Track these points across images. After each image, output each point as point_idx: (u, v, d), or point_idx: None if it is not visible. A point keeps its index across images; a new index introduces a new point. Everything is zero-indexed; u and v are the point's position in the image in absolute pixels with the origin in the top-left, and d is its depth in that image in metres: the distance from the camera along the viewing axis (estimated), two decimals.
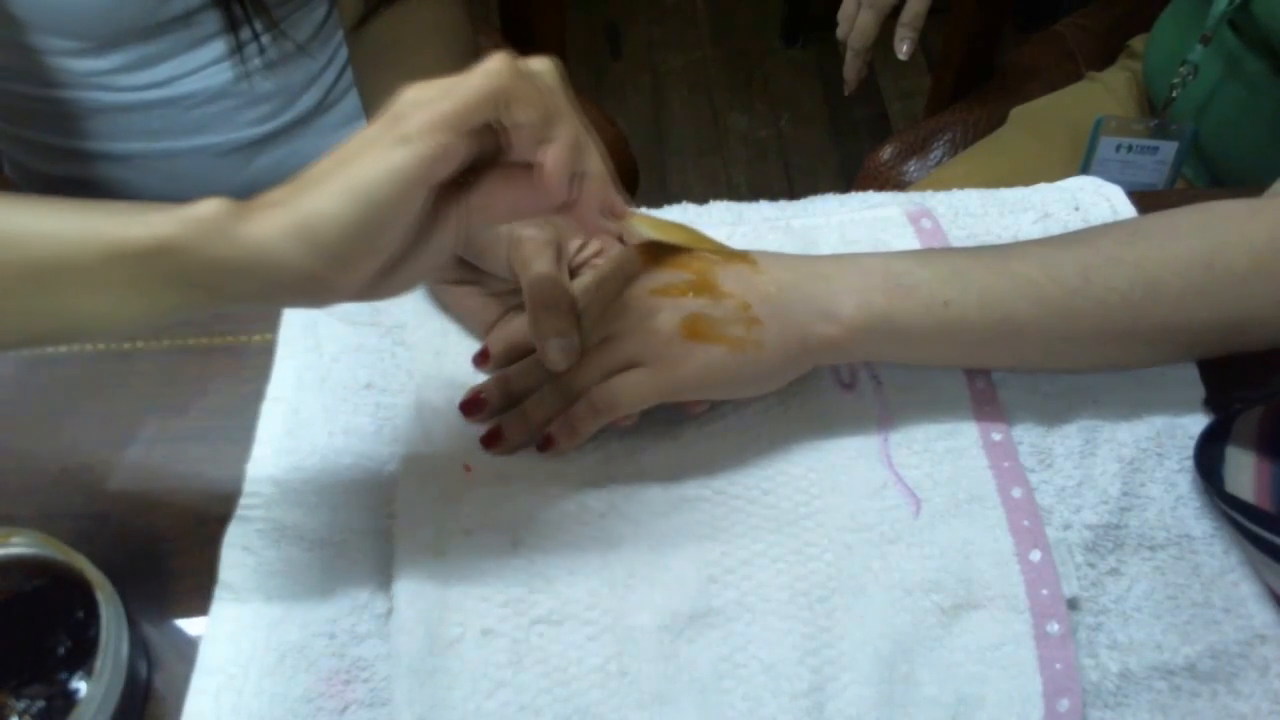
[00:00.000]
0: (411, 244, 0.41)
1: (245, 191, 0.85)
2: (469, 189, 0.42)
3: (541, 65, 0.41)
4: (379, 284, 0.41)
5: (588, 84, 1.98)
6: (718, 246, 0.54)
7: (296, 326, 0.59)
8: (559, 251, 0.53)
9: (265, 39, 0.72)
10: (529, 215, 0.44)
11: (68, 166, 0.78)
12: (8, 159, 0.82)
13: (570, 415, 0.52)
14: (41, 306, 0.39)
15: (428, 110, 0.38)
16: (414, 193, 0.39)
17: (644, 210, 0.52)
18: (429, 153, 0.38)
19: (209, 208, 0.38)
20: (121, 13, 0.68)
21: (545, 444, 0.53)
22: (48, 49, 0.70)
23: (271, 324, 0.59)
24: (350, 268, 0.39)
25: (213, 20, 0.71)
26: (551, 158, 0.40)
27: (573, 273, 0.54)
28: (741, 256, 0.52)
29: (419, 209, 0.40)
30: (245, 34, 0.71)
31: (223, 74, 0.75)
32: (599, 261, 0.55)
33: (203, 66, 0.74)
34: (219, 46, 0.73)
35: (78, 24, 0.68)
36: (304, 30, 0.77)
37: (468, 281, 0.56)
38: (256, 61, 0.74)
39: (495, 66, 0.38)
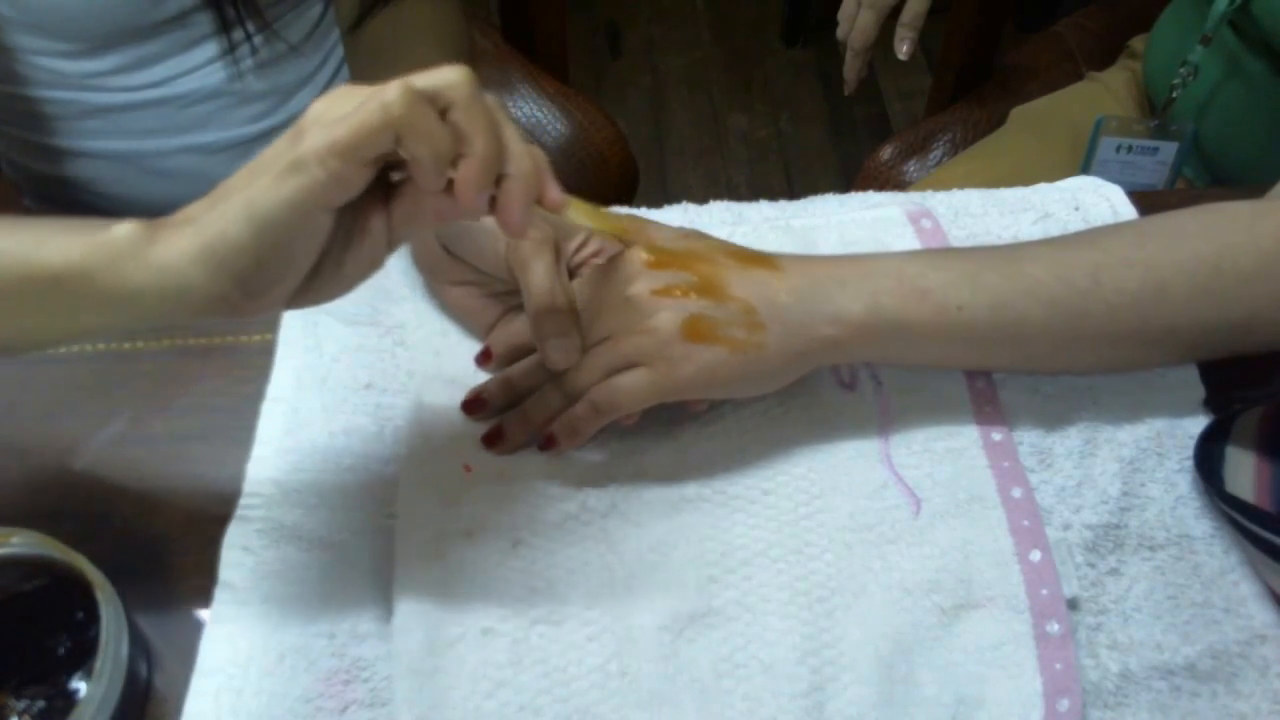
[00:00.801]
0: (337, 254, 0.41)
1: None
2: (393, 196, 0.42)
3: (450, 78, 0.39)
4: (307, 292, 0.41)
5: (588, 84, 1.98)
6: (663, 234, 0.53)
7: (296, 327, 0.59)
8: (557, 251, 0.53)
9: (258, 39, 0.72)
10: (456, 220, 0.43)
11: (64, 166, 0.78)
12: (4, 160, 0.82)
13: (571, 415, 0.52)
14: None
15: (323, 135, 0.37)
16: (310, 218, 0.38)
17: (588, 204, 0.51)
18: (320, 181, 0.37)
19: (121, 231, 0.38)
20: (114, 15, 0.68)
21: (546, 444, 0.53)
22: (41, 51, 0.70)
23: (271, 324, 0.59)
24: (259, 290, 0.39)
25: (206, 21, 0.71)
26: (460, 177, 0.39)
27: (571, 272, 0.54)
28: (764, 261, 0.51)
29: (324, 229, 0.39)
30: (238, 35, 0.71)
31: (216, 74, 0.75)
32: (598, 261, 0.55)
33: (197, 67, 0.74)
34: (212, 47, 0.73)
35: (70, 26, 0.68)
36: (298, 30, 0.77)
37: (467, 282, 0.56)
38: (249, 61, 0.74)
39: (390, 98, 0.37)
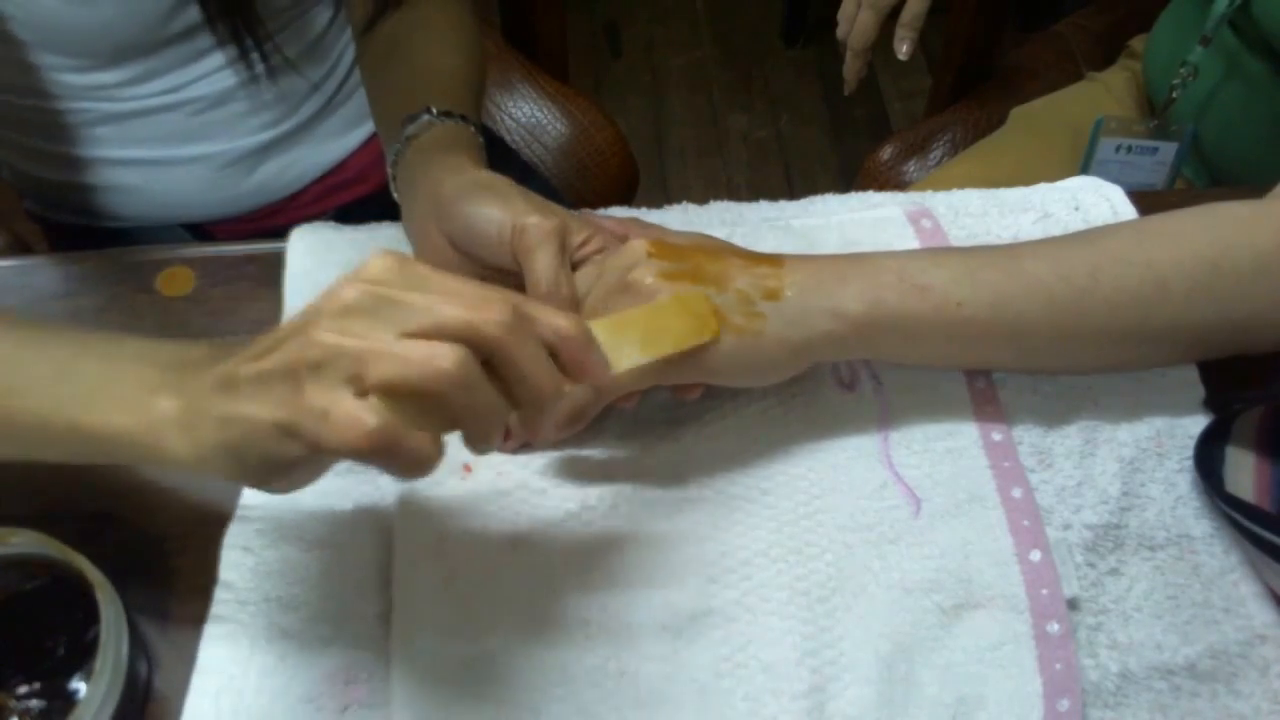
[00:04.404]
0: None
1: (249, 198, 0.84)
2: None
3: (453, 370, 0.36)
4: None
5: (588, 84, 1.98)
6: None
7: None
8: (563, 242, 0.53)
9: (268, 47, 0.72)
10: None
11: (70, 173, 0.78)
12: (8, 166, 0.82)
13: (572, 398, 0.52)
14: (20, 450, 0.44)
15: (327, 430, 0.35)
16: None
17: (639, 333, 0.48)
18: (321, 461, 0.38)
19: (163, 410, 0.40)
20: (125, 32, 0.68)
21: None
22: (52, 65, 0.70)
23: (272, 324, 0.59)
24: (293, 485, 0.40)
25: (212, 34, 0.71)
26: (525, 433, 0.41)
27: (575, 266, 0.54)
28: (767, 259, 0.52)
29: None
30: (247, 44, 0.71)
31: (225, 81, 0.75)
32: (599, 258, 0.55)
33: (205, 75, 0.74)
34: (220, 56, 0.74)
35: (81, 44, 0.69)
36: (304, 38, 0.77)
37: (470, 277, 0.56)
38: (261, 68, 0.74)
39: (411, 447, 0.36)
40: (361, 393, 0.36)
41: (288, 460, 0.37)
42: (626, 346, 0.46)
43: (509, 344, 0.38)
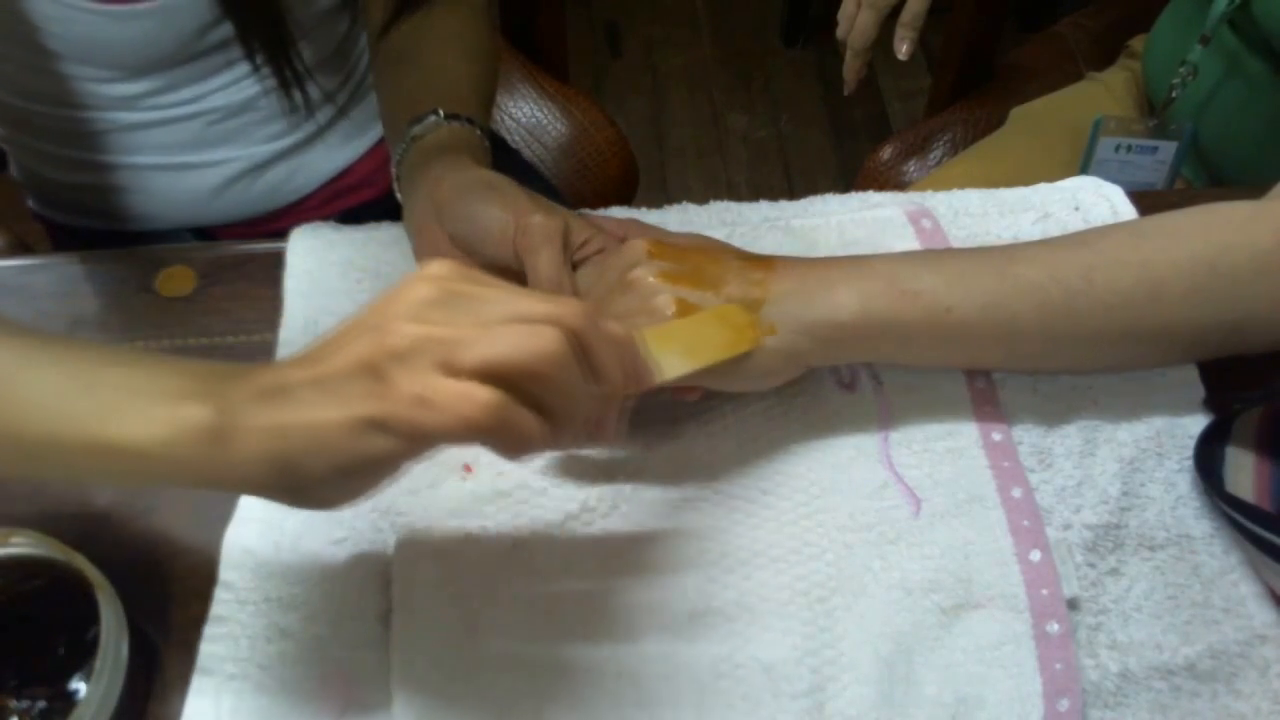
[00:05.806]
0: None
1: (257, 203, 0.84)
2: None
3: (538, 350, 0.35)
4: None
5: (588, 84, 1.98)
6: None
7: (297, 328, 0.59)
8: (565, 241, 0.53)
9: (295, 58, 0.73)
10: None
11: (84, 176, 0.78)
12: (17, 164, 0.82)
13: None
14: (28, 468, 0.40)
15: (418, 412, 0.34)
16: (394, 468, 0.37)
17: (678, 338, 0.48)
18: (405, 453, 0.35)
19: (195, 418, 0.36)
20: (158, 46, 0.69)
21: None
22: (80, 76, 0.70)
23: (272, 324, 0.59)
24: (335, 505, 0.38)
25: (238, 47, 0.72)
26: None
27: (575, 266, 0.54)
28: (761, 262, 0.52)
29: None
30: (275, 56, 0.71)
31: (245, 91, 0.75)
32: (599, 258, 0.55)
33: (226, 86, 0.75)
34: (242, 67, 0.74)
35: (113, 57, 0.69)
36: (326, 49, 0.77)
37: None
38: (288, 75, 0.74)
39: (485, 400, 0.34)
40: (454, 377, 0.35)
41: (371, 459, 0.36)
42: (671, 356, 0.46)
43: (590, 335, 0.37)
